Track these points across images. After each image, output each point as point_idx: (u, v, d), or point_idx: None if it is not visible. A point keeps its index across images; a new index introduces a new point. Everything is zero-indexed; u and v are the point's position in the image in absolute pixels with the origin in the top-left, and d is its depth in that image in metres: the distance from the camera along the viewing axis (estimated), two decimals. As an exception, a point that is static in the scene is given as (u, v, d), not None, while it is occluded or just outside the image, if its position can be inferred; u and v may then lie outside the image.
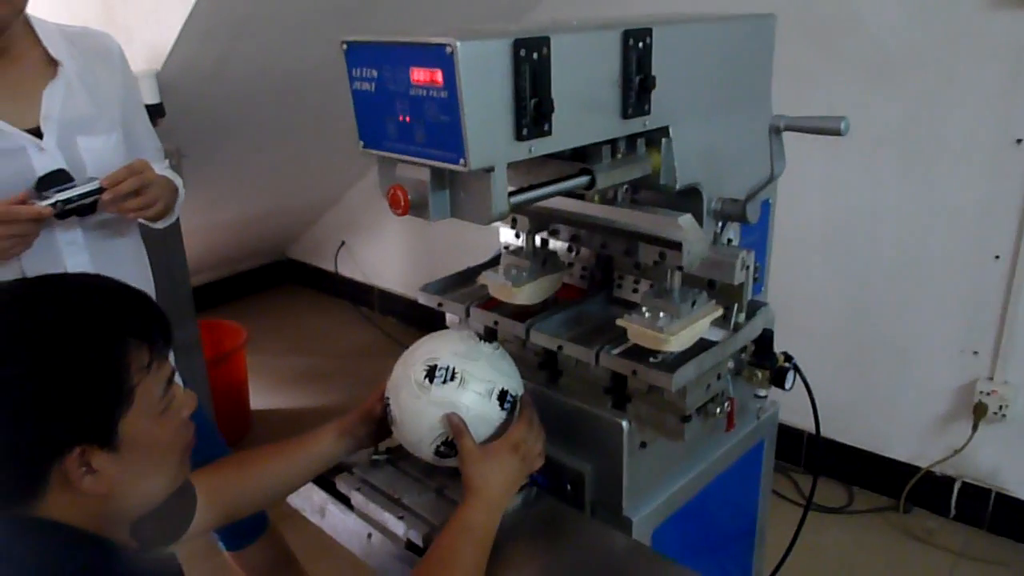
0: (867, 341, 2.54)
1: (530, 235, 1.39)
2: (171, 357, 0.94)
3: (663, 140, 1.20)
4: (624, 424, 1.21)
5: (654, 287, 1.24)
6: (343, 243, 4.33)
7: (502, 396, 1.18)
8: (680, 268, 1.15)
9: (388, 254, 4.14)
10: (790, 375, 1.38)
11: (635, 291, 1.39)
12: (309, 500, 1.36)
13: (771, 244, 1.52)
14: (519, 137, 0.96)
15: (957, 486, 2.47)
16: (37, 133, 1.38)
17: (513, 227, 1.41)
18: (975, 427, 2.34)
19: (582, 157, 1.12)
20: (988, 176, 2.20)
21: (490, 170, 0.95)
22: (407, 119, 0.97)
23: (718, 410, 1.23)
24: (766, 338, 1.34)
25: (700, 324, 1.18)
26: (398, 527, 1.20)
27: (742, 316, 1.27)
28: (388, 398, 1.22)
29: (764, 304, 1.29)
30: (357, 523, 1.28)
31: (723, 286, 1.24)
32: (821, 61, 2.37)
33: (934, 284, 2.36)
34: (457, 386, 1.16)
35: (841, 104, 2.32)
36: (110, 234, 1.49)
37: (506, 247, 1.49)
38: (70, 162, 1.39)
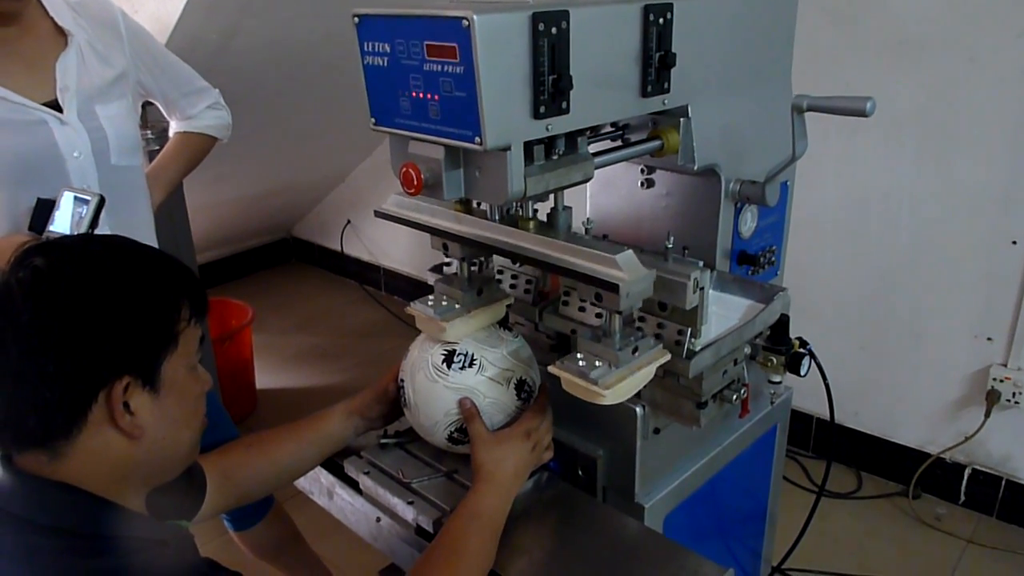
0: (880, 325, 2.52)
1: (463, 263, 1.23)
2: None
3: (682, 120, 1.17)
4: (638, 410, 1.19)
5: (592, 329, 1.11)
6: (349, 222, 4.30)
7: (520, 385, 1.16)
8: (619, 312, 1.01)
9: (394, 233, 4.11)
10: (805, 361, 1.35)
11: (581, 310, 1.26)
12: (317, 482, 1.35)
13: (788, 227, 1.50)
14: (536, 115, 0.93)
15: (967, 472, 2.46)
16: (54, 106, 1.35)
17: (445, 253, 1.24)
18: (988, 413, 2.32)
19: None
20: (1008, 160, 2.16)
21: (506, 149, 0.93)
22: (420, 95, 0.94)
23: (734, 396, 1.21)
24: (782, 323, 1.32)
25: (641, 374, 1.06)
26: (407, 512, 1.19)
27: (696, 343, 1.12)
28: (403, 380, 1.20)
29: (782, 289, 1.27)
30: (365, 506, 1.27)
31: (675, 308, 1.12)
32: (839, 40, 2.32)
33: (950, 269, 2.33)
34: (475, 372, 1.14)
35: (859, 85, 2.28)
36: (125, 213, 1.48)
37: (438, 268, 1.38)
38: (91, 132, 1.38)
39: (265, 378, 3.36)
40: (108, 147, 1.41)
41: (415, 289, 4.05)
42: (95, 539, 0.83)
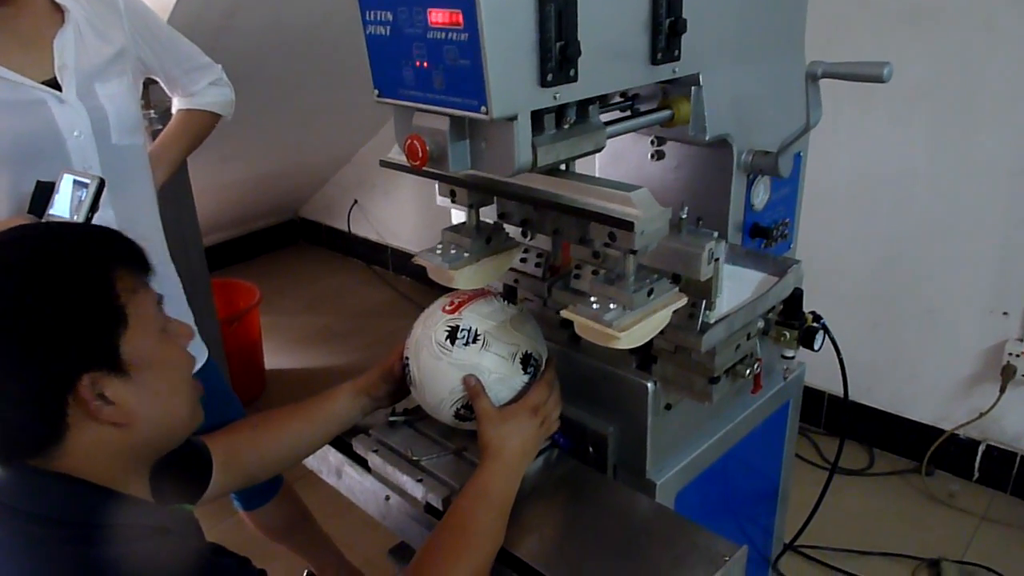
0: (893, 301, 2.49)
1: (471, 210, 1.20)
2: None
3: (693, 89, 1.15)
4: (649, 385, 1.18)
5: (606, 272, 1.07)
6: (356, 202, 4.28)
7: (525, 359, 1.14)
8: (633, 252, 0.98)
9: (402, 213, 4.09)
10: (819, 336, 1.33)
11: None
12: (326, 461, 1.34)
13: (801, 199, 1.47)
14: (543, 83, 0.91)
15: (981, 449, 2.43)
16: (52, 85, 1.33)
17: (452, 200, 1.21)
18: (1003, 389, 2.29)
19: None
20: (1023, 131, 2.11)
21: (513, 118, 0.90)
22: (425, 64, 0.92)
23: (747, 371, 1.19)
24: (795, 297, 1.30)
25: (657, 317, 1.02)
26: (417, 490, 1.17)
27: (711, 315, 1.09)
28: (407, 358, 1.19)
29: (796, 261, 1.24)
30: (375, 485, 1.25)
31: (689, 280, 1.07)
32: (850, 9, 2.27)
33: (964, 243, 2.29)
34: (480, 348, 1.12)
35: (871, 55, 2.20)
36: (127, 193, 1.46)
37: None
38: (91, 111, 1.36)
39: (274, 359, 3.36)
40: (109, 126, 1.38)
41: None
42: (95, 528, 0.81)
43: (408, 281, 4.17)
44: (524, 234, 1.33)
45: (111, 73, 1.40)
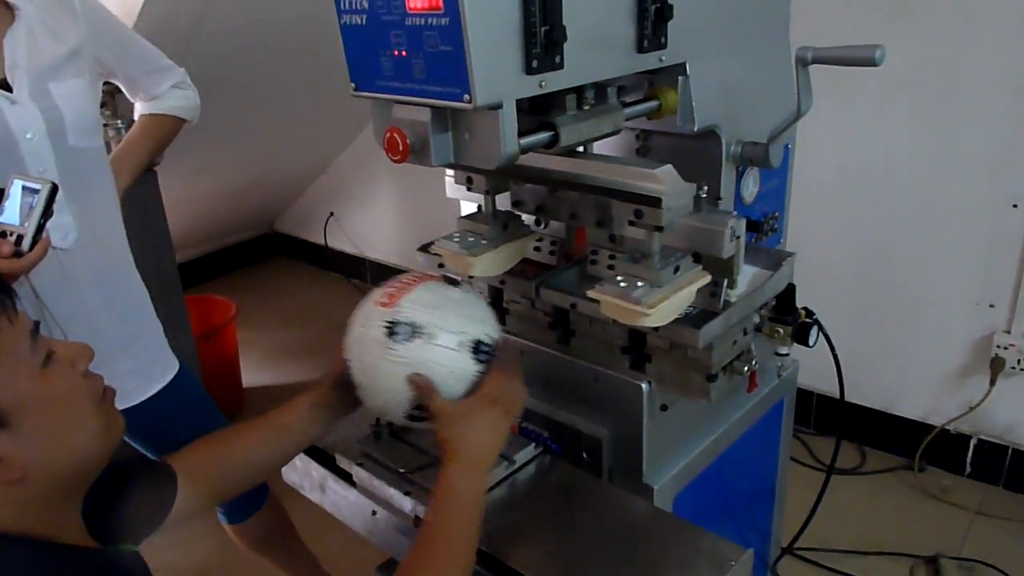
0: (879, 294, 2.47)
1: (488, 196, 1.21)
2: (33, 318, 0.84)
3: (680, 78, 1.11)
4: (644, 386, 1.14)
5: (630, 253, 1.08)
6: (332, 214, 4.22)
7: (476, 346, 1.02)
8: (659, 228, 0.98)
9: (379, 224, 4.04)
10: (813, 331, 1.30)
11: (611, 268, 1.22)
12: (308, 476, 1.29)
13: (790, 192, 1.44)
14: (528, 70, 0.87)
15: (972, 443, 2.42)
16: (2, 86, 1.27)
17: (469, 188, 1.22)
18: (992, 382, 2.28)
19: (542, 110, 0.99)
20: (1006, 120, 2.11)
21: (497, 107, 0.86)
22: (403, 53, 0.88)
23: (745, 368, 1.15)
24: (788, 292, 1.27)
25: (684, 293, 1.03)
26: (405, 503, 1.13)
27: (733, 294, 1.11)
28: (348, 360, 1.06)
29: (790, 254, 1.21)
30: (360, 499, 1.21)
31: (709, 259, 1.08)
32: (832, 1, 2.26)
33: (950, 234, 2.28)
34: (424, 342, 0.99)
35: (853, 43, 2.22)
36: (87, 198, 1.40)
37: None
38: (45, 112, 1.30)
39: (252, 376, 3.29)
40: (65, 127, 1.33)
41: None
42: None
43: (387, 292, 4.10)
44: (538, 222, 1.33)
45: (66, 73, 1.35)
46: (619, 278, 1.03)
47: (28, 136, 1.28)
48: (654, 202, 0.95)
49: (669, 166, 0.98)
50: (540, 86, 0.89)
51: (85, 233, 1.38)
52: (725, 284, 1.09)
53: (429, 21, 0.83)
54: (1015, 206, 2.14)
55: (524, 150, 0.93)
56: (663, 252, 1.02)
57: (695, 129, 1.14)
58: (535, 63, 0.87)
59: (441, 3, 0.81)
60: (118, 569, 0.87)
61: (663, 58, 1.04)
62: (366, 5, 0.89)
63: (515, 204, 1.26)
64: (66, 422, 0.81)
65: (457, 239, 1.20)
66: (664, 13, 1.00)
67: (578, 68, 0.93)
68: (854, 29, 2.26)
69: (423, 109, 0.90)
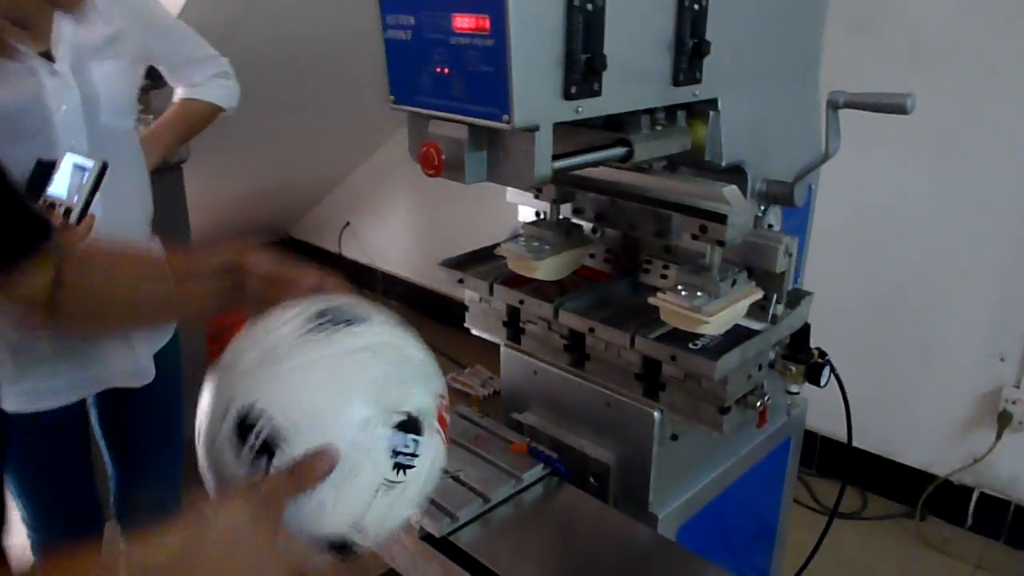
0: (890, 340, 2.47)
1: (555, 204, 1.29)
2: None
3: (711, 113, 1.13)
4: (656, 414, 1.14)
5: (690, 265, 1.15)
6: (347, 224, 4.25)
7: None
8: (721, 243, 1.06)
9: (393, 236, 4.06)
10: (825, 371, 1.31)
11: (664, 277, 1.29)
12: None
13: (811, 232, 1.45)
14: (567, 96, 0.89)
15: (975, 495, 2.40)
16: (48, 57, 1.31)
17: (537, 196, 1.31)
18: (998, 436, 2.27)
19: (618, 126, 1.05)
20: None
21: (534, 129, 0.88)
22: (445, 71, 0.89)
23: (758, 403, 1.16)
24: (803, 331, 1.27)
25: (739, 306, 1.10)
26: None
27: (780, 308, 1.18)
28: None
29: (808, 293, 1.22)
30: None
31: (762, 274, 1.15)
32: (855, 48, 2.28)
33: (963, 284, 2.28)
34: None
35: (875, 90, 2.24)
36: (116, 179, 1.42)
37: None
38: (82, 87, 1.33)
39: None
40: (98, 104, 1.35)
41: (412, 294, 3.99)
42: None
43: (397, 306, 4.12)
44: (594, 230, 1.38)
45: (108, 54, 1.38)
46: (679, 287, 1.10)
47: (63, 108, 1.31)
48: (719, 218, 1.02)
49: (734, 186, 1.05)
50: (576, 112, 0.90)
51: (109, 213, 1.39)
52: (775, 299, 1.15)
53: (474, 42, 0.84)
54: (1030, 261, 2.15)
55: (598, 163, 1.02)
56: (720, 266, 1.09)
57: (723, 164, 1.15)
58: (574, 89, 0.88)
59: (488, 25, 0.82)
60: None
61: (697, 92, 1.06)
62: (412, 22, 0.90)
63: (575, 212, 1.33)
64: None
65: (523, 243, 1.27)
66: (702, 49, 1.01)
67: (614, 97, 0.94)
68: (876, 79, 2.27)
69: (460, 126, 0.91)
